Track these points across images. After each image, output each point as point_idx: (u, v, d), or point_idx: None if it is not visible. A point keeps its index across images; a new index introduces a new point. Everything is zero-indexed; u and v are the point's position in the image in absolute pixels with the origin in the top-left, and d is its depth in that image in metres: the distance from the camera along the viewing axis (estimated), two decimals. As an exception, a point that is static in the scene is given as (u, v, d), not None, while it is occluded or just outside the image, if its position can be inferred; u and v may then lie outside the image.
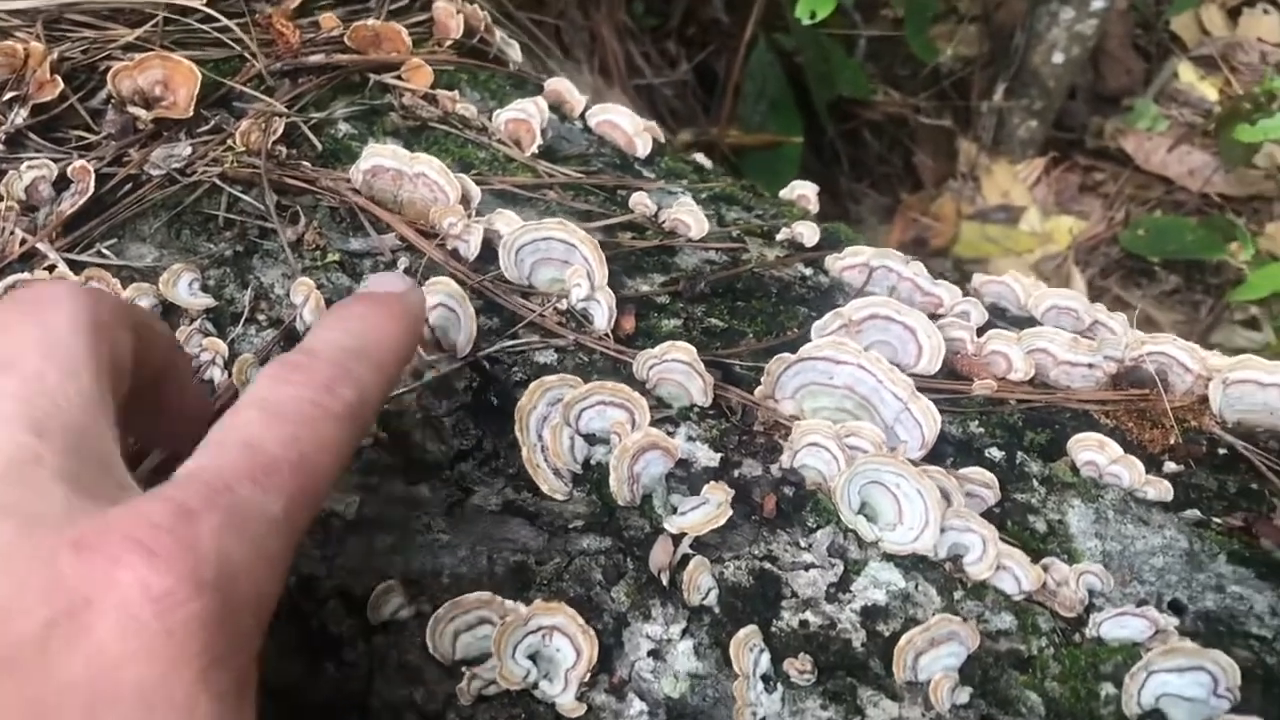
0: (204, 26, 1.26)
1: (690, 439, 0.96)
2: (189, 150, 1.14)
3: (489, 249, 1.09)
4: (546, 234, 1.06)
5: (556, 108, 1.37)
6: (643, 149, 1.36)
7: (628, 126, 1.36)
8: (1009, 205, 3.34)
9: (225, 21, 1.27)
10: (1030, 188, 3.40)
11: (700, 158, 1.53)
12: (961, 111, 3.45)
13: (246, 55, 1.24)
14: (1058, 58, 3.27)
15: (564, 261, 1.07)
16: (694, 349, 0.98)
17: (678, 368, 0.98)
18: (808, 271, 1.18)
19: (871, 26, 3.23)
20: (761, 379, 1.02)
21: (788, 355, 0.99)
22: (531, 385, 0.95)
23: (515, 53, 1.48)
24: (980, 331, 1.09)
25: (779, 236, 1.24)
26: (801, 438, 0.93)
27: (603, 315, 1.04)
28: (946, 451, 0.99)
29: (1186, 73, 4.04)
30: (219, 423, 0.62)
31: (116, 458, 0.59)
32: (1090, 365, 1.06)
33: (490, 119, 1.29)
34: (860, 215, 3.23)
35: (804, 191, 1.44)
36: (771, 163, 2.77)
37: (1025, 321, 1.21)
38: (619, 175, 1.29)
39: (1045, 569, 0.90)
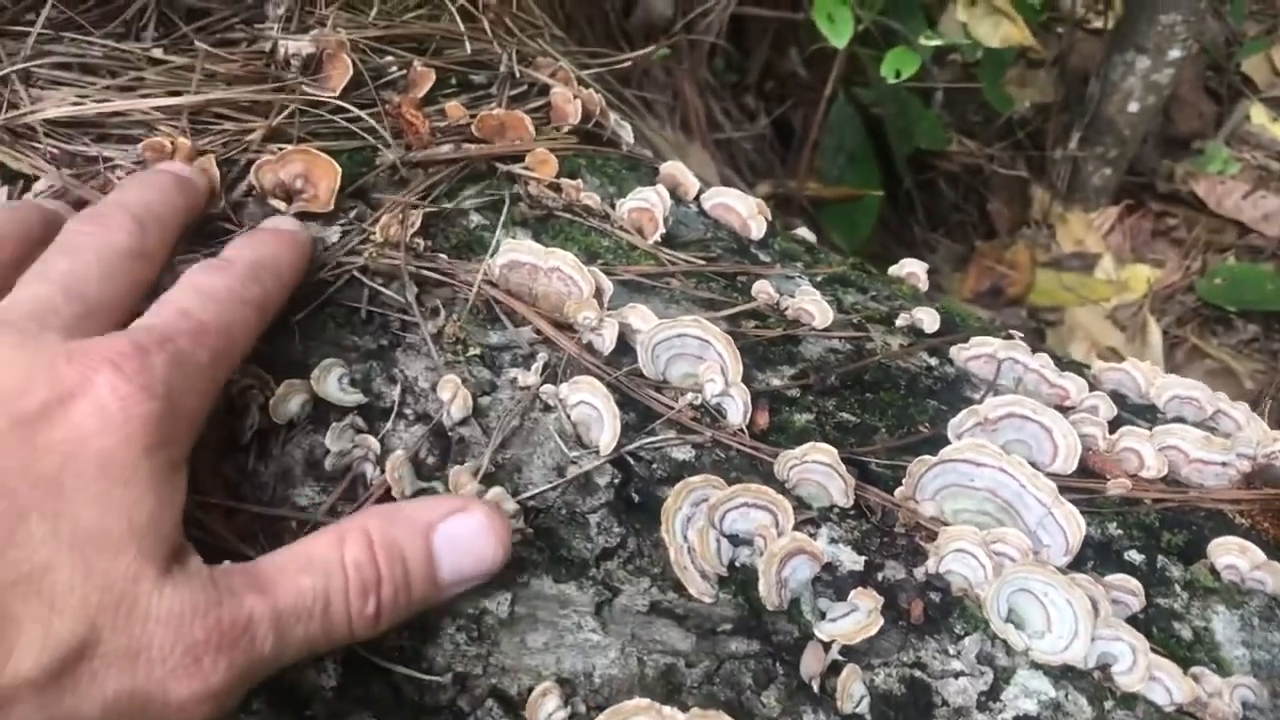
0: (335, 118, 1.30)
1: (833, 541, 0.98)
2: (336, 237, 1.18)
3: (622, 342, 1.12)
4: (681, 330, 1.09)
5: (671, 191, 1.40)
6: (757, 231, 1.38)
7: (742, 209, 1.39)
8: (1084, 253, 3.33)
9: (357, 112, 1.31)
10: (1104, 235, 3.39)
11: (805, 232, 1.55)
12: (1035, 159, 3.44)
13: (380, 146, 1.28)
14: (1133, 106, 3.26)
15: (698, 357, 1.10)
16: (835, 450, 1.00)
17: (818, 469, 1.00)
18: (933, 361, 1.19)
19: (944, 73, 3.24)
20: (897, 476, 1.03)
21: (928, 457, 1.00)
22: (676, 486, 0.98)
23: (627, 134, 1.51)
24: (1111, 426, 1.10)
25: (898, 322, 1.25)
26: (948, 543, 0.95)
27: (737, 411, 1.07)
28: (1086, 555, 0.99)
29: (1258, 115, 4.01)
30: (164, 295, 0.90)
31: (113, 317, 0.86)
32: (1224, 464, 1.07)
33: (612, 206, 1.32)
34: (935, 264, 3.23)
35: (913, 269, 1.46)
36: (850, 215, 2.79)
37: (1146, 410, 1.21)
38: (738, 260, 1.32)
39: (1196, 679, 0.90)
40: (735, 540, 0.97)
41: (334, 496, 1.02)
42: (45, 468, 0.70)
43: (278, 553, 0.83)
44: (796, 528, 0.96)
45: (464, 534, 0.89)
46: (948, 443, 1.07)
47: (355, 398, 1.06)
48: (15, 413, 0.71)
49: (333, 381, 1.07)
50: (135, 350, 0.78)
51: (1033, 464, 1.02)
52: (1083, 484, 1.05)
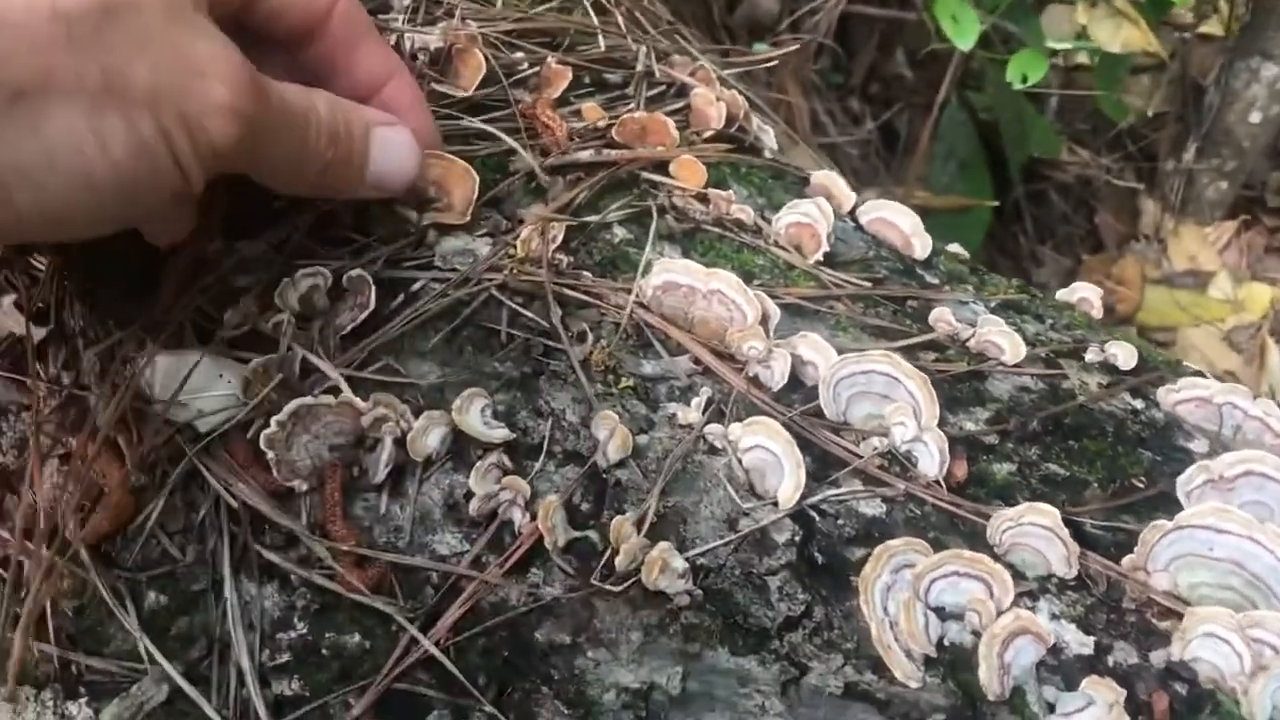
0: (466, 118, 1.19)
1: (1054, 617, 0.85)
2: (486, 248, 1.07)
3: (790, 375, 1.00)
4: (869, 366, 0.97)
5: (824, 203, 1.27)
6: (921, 249, 1.25)
7: (905, 225, 1.26)
8: (1197, 270, 3.16)
9: (490, 114, 1.19)
10: (1220, 251, 3.22)
11: (958, 248, 1.41)
12: (1145, 171, 3.27)
13: (519, 149, 1.16)
14: (1255, 116, 3.09)
15: (884, 396, 0.97)
16: (1056, 512, 0.87)
17: (1038, 533, 0.87)
18: (1137, 404, 1.06)
19: (1055, 79, 3.08)
20: (1117, 540, 0.90)
21: (1163, 522, 0.87)
22: (876, 551, 0.85)
23: (770, 139, 1.39)
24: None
25: (1089, 356, 1.12)
26: (1196, 626, 0.81)
27: (932, 460, 0.94)
28: (1351, 641, 0.85)
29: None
30: None
31: None
32: None
33: (765, 219, 1.20)
34: (1041, 278, 3.07)
35: (1085, 295, 1.32)
36: (959, 225, 2.64)
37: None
38: (905, 283, 1.19)
39: None
40: (942, 614, 0.84)
41: (479, 545, 0.91)
42: None
43: None
44: (1014, 601, 0.83)
45: (393, 142, 1.00)
46: (1171, 501, 0.94)
47: (501, 433, 0.95)
48: None
49: (476, 414, 0.96)
50: None
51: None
52: (1334, 556, 0.91)
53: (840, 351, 1.01)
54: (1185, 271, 3.16)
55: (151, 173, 0.81)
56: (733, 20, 2.57)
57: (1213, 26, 3.39)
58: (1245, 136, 3.13)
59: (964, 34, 2.15)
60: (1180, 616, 0.84)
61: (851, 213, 1.29)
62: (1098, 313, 1.29)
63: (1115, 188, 3.20)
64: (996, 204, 2.68)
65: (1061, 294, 1.31)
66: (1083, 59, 3.06)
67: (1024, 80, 2.20)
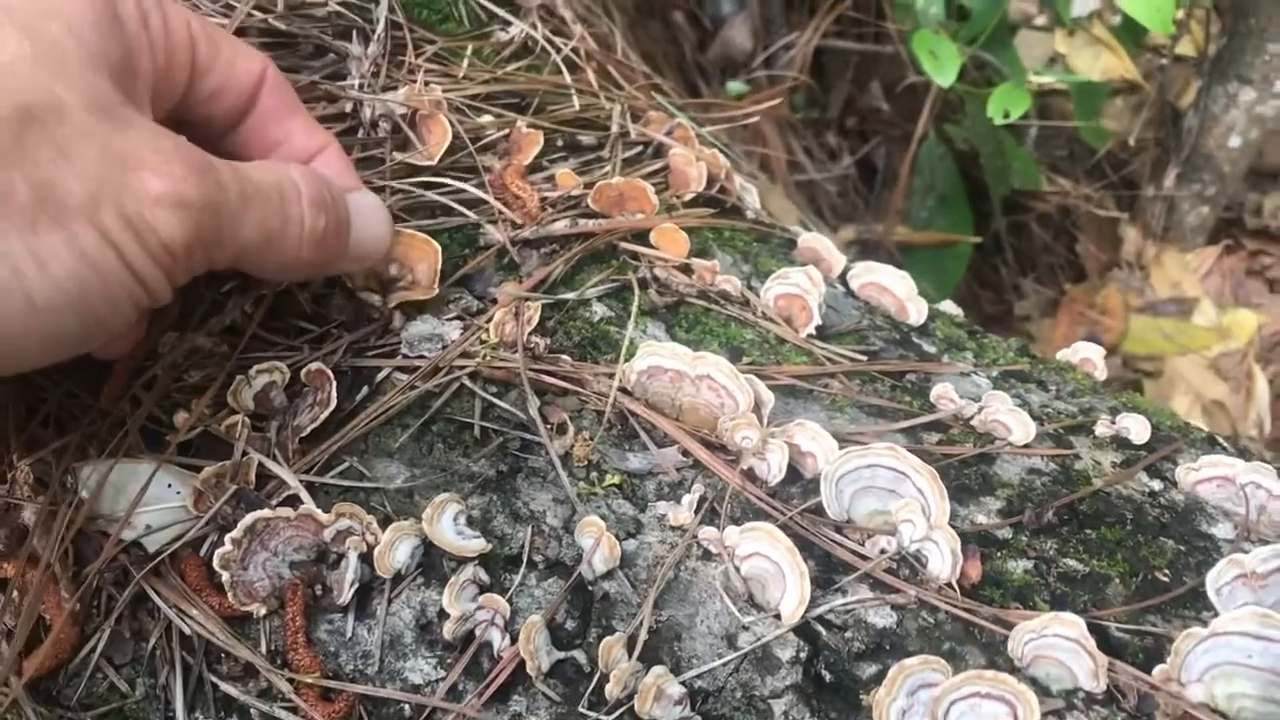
0: (430, 192, 1.12)
1: (1083, 737, 0.78)
2: (457, 333, 0.99)
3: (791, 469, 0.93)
4: (873, 460, 0.89)
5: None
6: (916, 315, 1.19)
7: (900, 290, 1.20)
8: (1181, 297, 3.11)
9: (456, 184, 1.12)
10: (1202, 278, 3.17)
11: (950, 306, 1.35)
12: (1126, 198, 3.23)
13: (484, 224, 1.09)
14: (1234, 141, 3.05)
15: (890, 491, 0.90)
16: (1082, 623, 0.80)
17: (1063, 645, 0.80)
18: (1155, 485, 0.99)
19: (1032, 107, 3.03)
20: (1144, 645, 0.84)
21: (1198, 630, 0.80)
22: (891, 671, 0.78)
23: (753, 199, 1.32)
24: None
25: (1099, 430, 1.05)
26: (1241, 750, 0.74)
27: (944, 561, 0.87)
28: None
29: (1353, 145, 3.78)
30: None
31: None
32: None
33: (751, 289, 1.13)
34: (1024, 310, 3.02)
35: (1088, 355, 1.26)
36: (940, 261, 2.59)
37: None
38: (902, 354, 1.12)
39: None
40: (963, 739, 0.77)
41: (455, 673, 0.83)
42: None
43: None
44: (1040, 723, 0.76)
45: (367, 206, 0.96)
46: (1200, 598, 0.87)
47: (477, 544, 0.87)
48: None
49: (448, 523, 0.88)
50: None
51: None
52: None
53: (838, 435, 0.94)
54: (1169, 299, 3.11)
55: (103, 286, 0.73)
56: (705, 59, 2.51)
57: (1185, 47, 3.36)
58: (1225, 161, 3.09)
59: (944, 70, 2.10)
60: (1219, 732, 0.78)
61: (842, 276, 1.23)
62: (1101, 374, 1.22)
63: (1096, 216, 3.16)
64: (977, 240, 2.62)
65: (1063, 354, 1.25)
66: (1058, 84, 3.03)
67: (1006, 116, 2.14)
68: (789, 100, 2.57)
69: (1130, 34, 2.71)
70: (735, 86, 2.49)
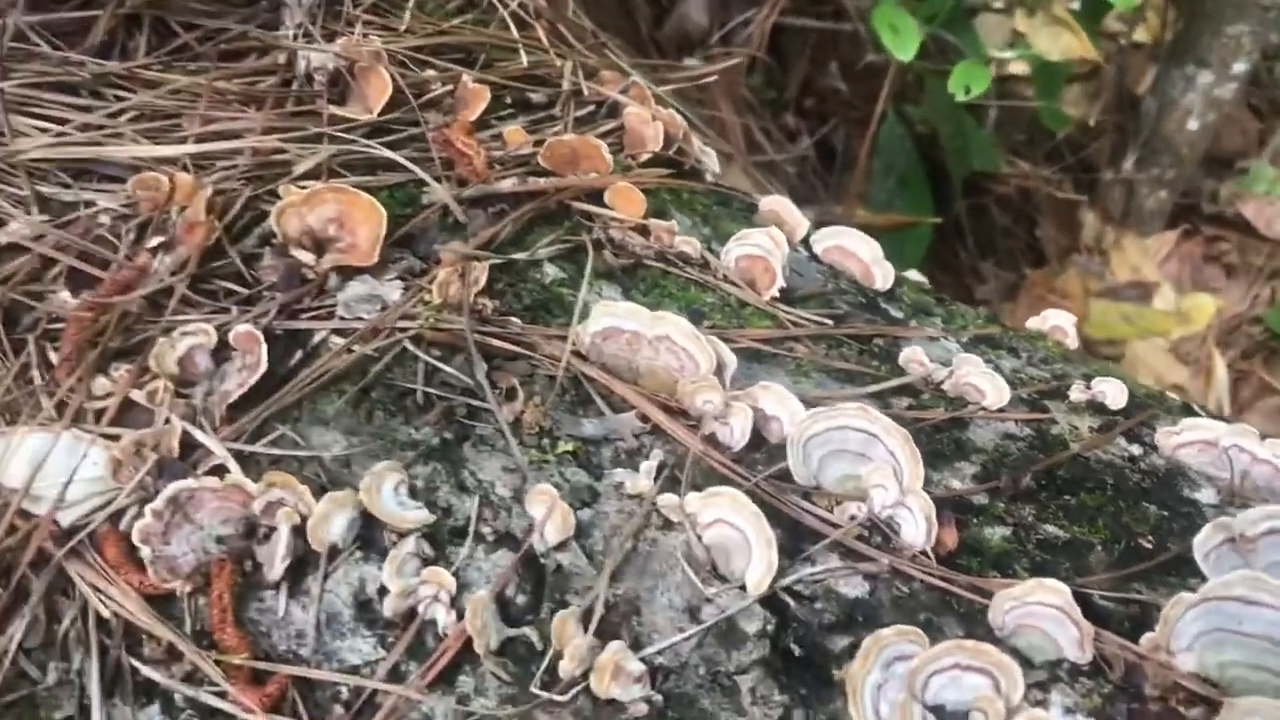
0: (371, 146, 1.05)
1: (1068, 710, 0.73)
2: (398, 294, 0.93)
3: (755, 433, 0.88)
4: (843, 422, 0.84)
5: (775, 231, 1.15)
6: (883, 280, 1.14)
7: (865, 254, 1.15)
8: (1141, 281, 3.10)
9: (397, 139, 1.06)
10: (1161, 263, 3.16)
11: (916, 275, 1.30)
12: (1085, 182, 3.22)
13: (429, 180, 1.03)
14: (1193, 124, 3.04)
15: (860, 454, 0.85)
16: (1067, 590, 0.75)
17: (1047, 613, 0.75)
18: (1135, 450, 0.95)
19: (992, 90, 3.01)
20: (1130, 612, 0.79)
21: (1187, 595, 0.76)
22: (866, 643, 0.73)
23: (713, 161, 1.27)
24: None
25: (1074, 395, 1.01)
26: (1238, 719, 0.70)
27: (917, 527, 0.82)
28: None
29: (1306, 132, 3.80)
30: None
31: None
32: None
33: (712, 251, 1.08)
34: (984, 294, 2.99)
35: (1058, 323, 1.22)
36: (900, 243, 2.54)
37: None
38: (869, 319, 1.07)
39: None
40: (942, 714, 0.72)
41: (397, 652, 0.77)
42: None
43: None
44: (1024, 695, 0.71)
45: None
46: (1186, 563, 0.83)
47: (419, 515, 0.81)
48: None
49: (388, 493, 0.82)
50: None
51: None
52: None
53: (804, 400, 0.89)
54: (1129, 284, 3.10)
55: None
56: (661, 34, 2.46)
57: (1142, 34, 3.36)
58: (1184, 144, 3.08)
59: (904, 45, 2.05)
60: (1210, 703, 0.73)
61: (805, 240, 1.18)
62: (1072, 342, 1.18)
63: (1056, 200, 3.14)
64: (937, 220, 2.59)
65: (1033, 322, 1.21)
66: (1016, 68, 3.00)
67: (966, 92, 2.11)
68: (746, 80, 2.52)
69: (1090, 16, 2.69)
70: (692, 64, 2.43)
